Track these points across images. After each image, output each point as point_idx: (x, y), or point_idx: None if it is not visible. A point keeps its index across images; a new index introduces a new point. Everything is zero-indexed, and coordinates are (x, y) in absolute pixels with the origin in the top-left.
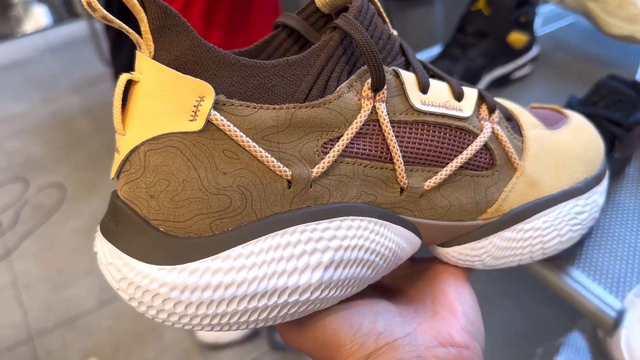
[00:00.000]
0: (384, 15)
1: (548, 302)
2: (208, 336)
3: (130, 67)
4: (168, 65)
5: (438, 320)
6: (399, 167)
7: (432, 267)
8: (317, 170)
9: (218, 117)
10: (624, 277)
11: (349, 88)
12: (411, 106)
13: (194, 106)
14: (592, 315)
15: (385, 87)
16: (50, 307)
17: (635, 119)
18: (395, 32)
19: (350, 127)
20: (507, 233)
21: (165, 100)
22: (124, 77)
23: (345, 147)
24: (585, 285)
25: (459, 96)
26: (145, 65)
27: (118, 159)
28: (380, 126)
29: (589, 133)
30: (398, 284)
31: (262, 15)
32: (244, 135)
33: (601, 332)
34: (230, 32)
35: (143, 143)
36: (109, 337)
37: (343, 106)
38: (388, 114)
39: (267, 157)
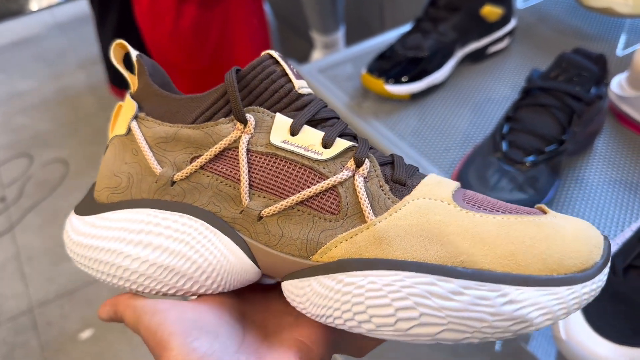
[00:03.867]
0: (291, 77)
1: None
2: None
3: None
4: (132, 96)
5: None
6: (243, 188)
7: (289, 308)
8: (179, 174)
9: (134, 126)
10: None
11: (229, 121)
12: (270, 141)
13: (129, 119)
14: None
15: (253, 123)
16: (51, 279)
17: (597, 93)
18: (306, 92)
19: (213, 148)
20: (326, 280)
21: (125, 114)
22: (119, 105)
23: (206, 162)
24: None
25: (326, 144)
26: (127, 96)
27: None
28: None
29: (541, 239)
30: (264, 315)
31: None
32: (142, 140)
33: None
34: (205, 7)
35: (110, 140)
36: None
37: (216, 132)
38: (251, 145)
39: (150, 157)
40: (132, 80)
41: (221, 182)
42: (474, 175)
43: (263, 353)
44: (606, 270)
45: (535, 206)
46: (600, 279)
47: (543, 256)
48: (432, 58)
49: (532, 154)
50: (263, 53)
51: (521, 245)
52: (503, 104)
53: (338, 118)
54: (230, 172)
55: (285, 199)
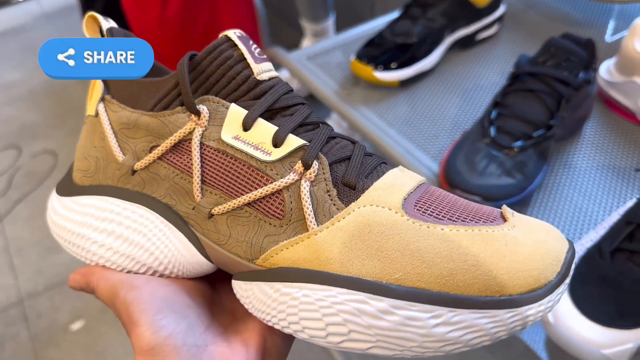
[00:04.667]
0: (250, 61)
1: None
2: None
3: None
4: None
5: (229, 348)
6: (195, 184)
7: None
8: (139, 163)
9: (101, 110)
10: (565, 236)
11: (185, 110)
12: (220, 136)
13: (97, 100)
14: None
15: (207, 115)
16: (41, 271)
17: (585, 78)
18: (267, 77)
19: (170, 138)
20: (266, 287)
21: (95, 93)
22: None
23: (163, 154)
24: None
25: (276, 143)
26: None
27: None
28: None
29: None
30: (233, 303)
31: None
32: (107, 125)
33: None
34: None
35: (86, 117)
36: (96, 300)
37: (172, 122)
38: (204, 138)
39: (114, 143)
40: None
41: (177, 175)
42: (463, 161)
43: (230, 335)
44: (562, 287)
45: (502, 207)
46: (551, 300)
47: (485, 277)
48: (421, 44)
49: (520, 139)
50: (221, 35)
51: (463, 264)
52: (492, 90)
53: (303, 104)
54: (186, 165)
55: (235, 198)
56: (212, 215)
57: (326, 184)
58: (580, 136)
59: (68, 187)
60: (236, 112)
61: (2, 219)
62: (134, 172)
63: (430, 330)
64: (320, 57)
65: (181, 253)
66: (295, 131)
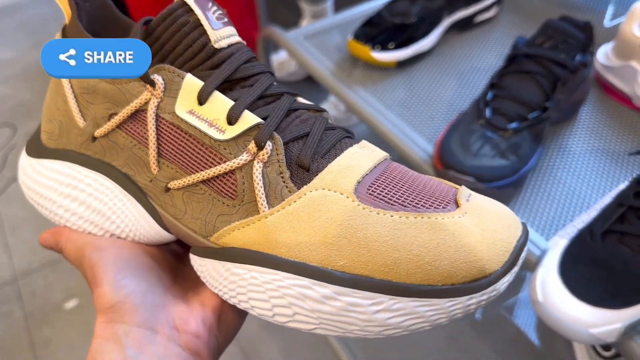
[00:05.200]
0: (207, 27)
1: None
2: None
3: None
4: (63, 33)
5: (187, 308)
6: (152, 156)
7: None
8: (99, 131)
9: None
10: (557, 219)
11: (141, 79)
12: (174, 110)
13: None
14: None
15: (162, 86)
16: (35, 249)
17: (582, 61)
18: (225, 44)
19: (127, 107)
20: (218, 265)
21: None
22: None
23: (121, 123)
24: None
25: (230, 120)
26: (59, 32)
27: None
28: None
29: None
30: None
31: None
32: (68, 89)
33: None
34: None
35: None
36: None
37: (129, 90)
38: (160, 110)
39: (74, 109)
40: (67, 12)
41: (135, 146)
42: (457, 142)
43: (189, 297)
44: (509, 276)
45: (459, 188)
46: (496, 288)
47: (428, 266)
48: (419, 25)
49: (515, 121)
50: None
51: (407, 253)
52: (490, 73)
53: (265, 72)
54: (143, 136)
55: (190, 175)
56: (169, 189)
57: (279, 166)
58: (575, 120)
59: (36, 148)
60: (191, 84)
61: None
62: (94, 138)
63: (371, 316)
64: (318, 36)
65: (140, 223)
66: (255, 104)
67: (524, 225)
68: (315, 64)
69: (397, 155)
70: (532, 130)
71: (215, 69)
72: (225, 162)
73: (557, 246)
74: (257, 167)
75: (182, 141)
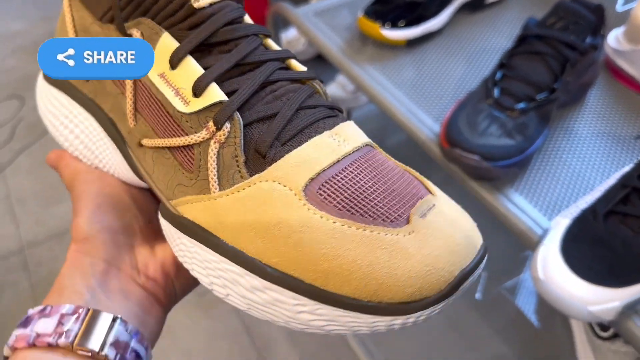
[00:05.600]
0: None
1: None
2: None
3: None
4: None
5: (151, 252)
6: (129, 110)
7: None
8: None
9: (66, 7)
10: (561, 200)
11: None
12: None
13: None
14: (520, 233)
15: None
16: (41, 221)
17: (592, 43)
18: (206, 3)
19: None
20: (172, 230)
21: None
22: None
23: None
24: (520, 206)
25: (195, 91)
26: None
27: None
28: None
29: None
30: None
31: None
32: (70, 27)
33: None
34: None
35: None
36: None
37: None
38: None
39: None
40: None
41: (118, 94)
42: (464, 121)
43: (156, 244)
44: (441, 305)
45: (417, 204)
46: (423, 314)
47: (356, 282)
48: (430, 3)
49: (522, 101)
50: None
51: (338, 266)
52: (499, 54)
53: (247, 36)
54: (124, 88)
55: (159, 138)
56: (142, 145)
57: (235, 149)
58: (583, 103)
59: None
60: (166, 45)
61: (4, 169)
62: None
63: (295, 314)
64: (328, 13)
65: (121, 168)
66: (228, 73)
67: (483, 248)
68: (325, 41)
69: (404, 134)
70: (539, 111)
71: (194, 29)
72: (185, 135)
73: (559, 225)
74: (214, 147)
75: (151, 104)
